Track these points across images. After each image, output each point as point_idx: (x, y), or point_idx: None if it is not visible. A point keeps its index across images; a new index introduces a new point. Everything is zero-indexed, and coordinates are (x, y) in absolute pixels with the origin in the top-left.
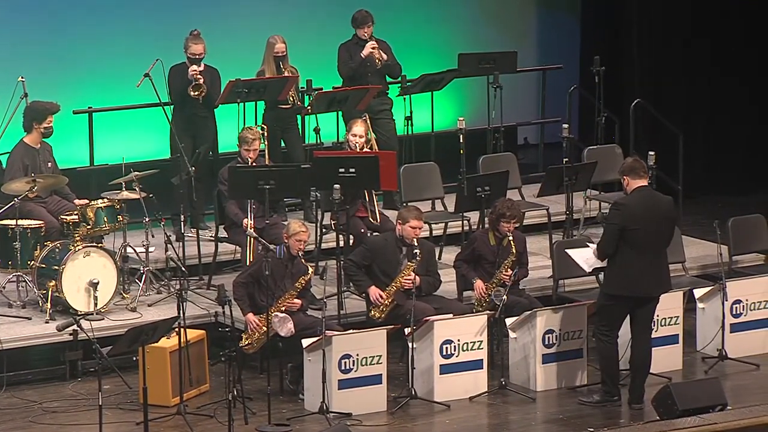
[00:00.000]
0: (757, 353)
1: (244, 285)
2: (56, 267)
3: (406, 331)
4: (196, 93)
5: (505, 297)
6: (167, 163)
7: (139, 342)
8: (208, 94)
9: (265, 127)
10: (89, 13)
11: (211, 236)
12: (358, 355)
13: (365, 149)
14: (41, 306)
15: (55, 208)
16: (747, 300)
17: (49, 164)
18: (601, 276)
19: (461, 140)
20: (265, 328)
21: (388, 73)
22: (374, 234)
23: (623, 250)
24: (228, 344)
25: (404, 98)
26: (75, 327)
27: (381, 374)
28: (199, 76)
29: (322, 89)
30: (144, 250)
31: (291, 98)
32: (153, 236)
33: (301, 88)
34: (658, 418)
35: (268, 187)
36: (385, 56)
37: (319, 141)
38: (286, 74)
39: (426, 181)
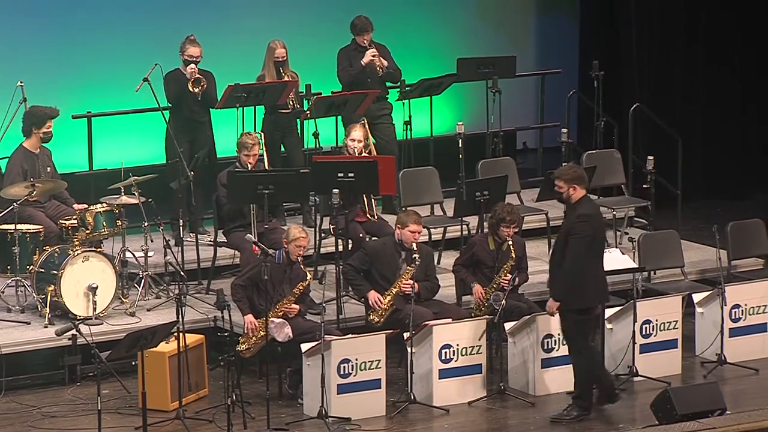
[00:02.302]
0: (755, 358)
1: (243, 287)
2: (55, 271)
3: (405, 335)
4: (197, 88)
5: (504, 301)
6: (166, 167)
7: (138, 346)
8: (206, 96)
9: (263, 133)
10: (88, 18)
11: (210, 241)
12: (357, 359)
13: (364, 154)
14: (40, 311)
15: (54, 212)
16: (746, 304)
17: (48, 169)
18: None
19: (460, 145)
20: (262, 332)
21: (388, 79)
22: (373, 238)
23: (589, 261)
24: (227, 349)
25: (403, 103)
26: (74, 331)
27: (380, 379)
28: (198, 76)
29: (321, 94)
30: (143, 255)
31: (290, 102)
32: (152, 241)
33: (301, 92)
34: (657, 422)
35: (267, 191)
36: (385, 63)
37: (318, 146)
38: (285, 79)
39: (425, 185)
